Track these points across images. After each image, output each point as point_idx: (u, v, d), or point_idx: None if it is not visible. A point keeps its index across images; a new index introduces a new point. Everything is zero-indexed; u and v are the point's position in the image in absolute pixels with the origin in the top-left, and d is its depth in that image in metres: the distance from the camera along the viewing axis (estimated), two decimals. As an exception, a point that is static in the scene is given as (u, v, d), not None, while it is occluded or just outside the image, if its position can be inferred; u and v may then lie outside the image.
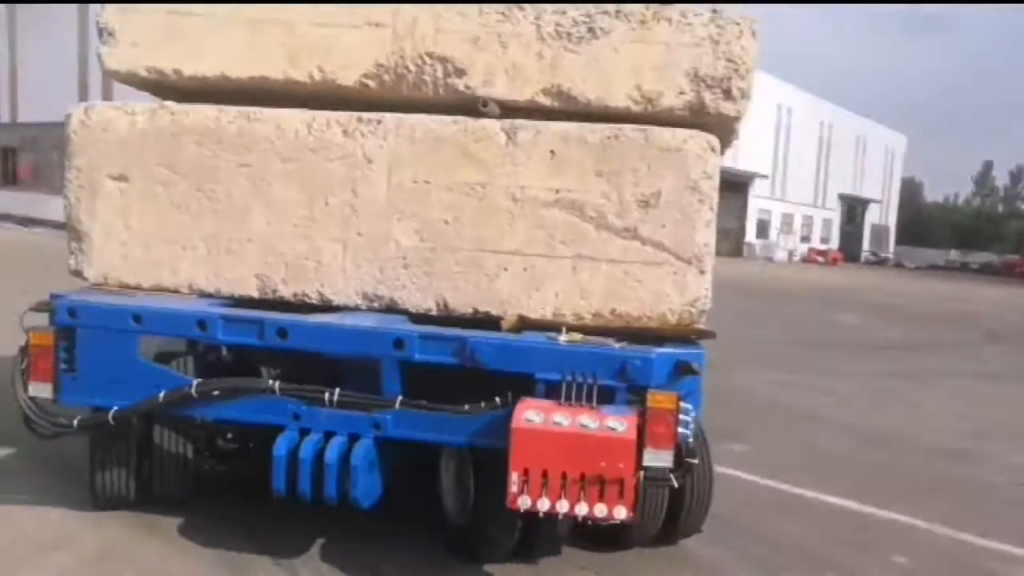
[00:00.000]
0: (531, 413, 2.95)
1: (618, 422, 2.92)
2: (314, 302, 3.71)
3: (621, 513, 2.85)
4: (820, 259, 50.84)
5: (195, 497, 3.83)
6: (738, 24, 3.63)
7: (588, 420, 2.92)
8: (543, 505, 2.86)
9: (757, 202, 51.31)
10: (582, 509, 2.85)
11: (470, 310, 3.61)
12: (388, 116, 3.67)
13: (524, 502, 2.87)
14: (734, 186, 45.66)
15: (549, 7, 3.69)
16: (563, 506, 2.86)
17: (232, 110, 3.76)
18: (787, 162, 55.49)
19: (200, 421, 3.56)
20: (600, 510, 2.85)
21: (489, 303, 3.60)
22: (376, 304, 3.67)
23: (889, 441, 6.56)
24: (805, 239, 56.65)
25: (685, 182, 3.50)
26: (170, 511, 3.77)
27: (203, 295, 3.76)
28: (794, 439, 6.42)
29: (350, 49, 3.76)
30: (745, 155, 51.93)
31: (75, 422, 3.41)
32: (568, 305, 3.57)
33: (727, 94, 3.63)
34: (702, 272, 3.54)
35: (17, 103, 35.66)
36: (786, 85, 55.16)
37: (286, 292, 3.73)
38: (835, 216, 62.22)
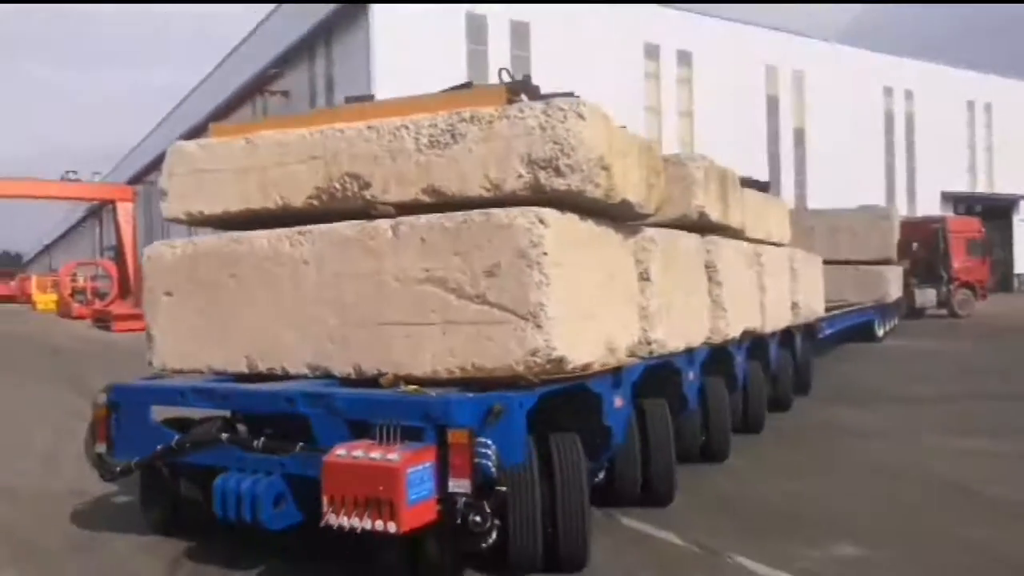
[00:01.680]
0: (340, 450, 3.76)
1: (396, 454, 3.62)
2: (279, 373, 4.84)
3: (392, 528, 3.52)
4: None
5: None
6: (563, 110, 4.22)
7: (376, 453, 3.65)
8: (345, 522, 3.63)
9: None
10: (367, 524, 3.57)
11: (375, 371, 4.49)
12: (315, 227, 4.76)
13: (332, 519, 3.66)
14: (993, 212, 40.08)
15: (425, 121, 4.57)
16: (356, 522, 3.60)
17: (226, 235, 5.12)
18: None
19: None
20: (379, 525, 3.55)
21: (387, 365, 4.45)
22: (317, 372, 4.70)
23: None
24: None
25: (517, 252, 4.11)
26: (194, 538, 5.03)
27: (215, 373, 5.08)
28: (950, 538, 4.96)
29: (298, 179, 4.94)
30: (1003, 177, 45.30)
31: (118, 469, 4.83)
32: (441, 363, 4.30)
33: (557, 171, 4.20)
34: (539, 326, 4.09)
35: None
36: None
37: (263, 367, 4.91)
38: None
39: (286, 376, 4.80)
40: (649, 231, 5.47)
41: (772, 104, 36.71)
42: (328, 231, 4.69)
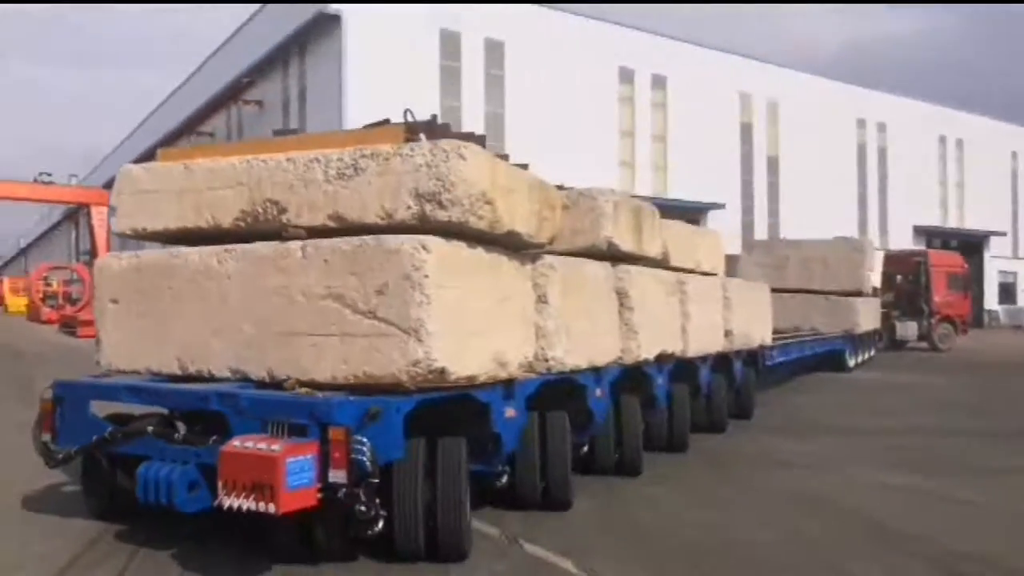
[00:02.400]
0: (236, 441, 4.33)
1: (279, 446, 4.18)
2: (206, 376, 5.41)
3: (272, 509, 4.08)
4: None
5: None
6: (446, 151, 4.81)
7: (263, 444, 4.22)
8: (235, 503, 4.19)
9: (996, 263, 45.20)
10: (252, 506, 4.13)
11: (285, 376, 5.06)
12: (238, 246, 5.35)
13: (225, 501, 4.21)
14: (964, 248, 40.42)
15: (334, 155, 5.17)
16: (244, 503, 4.15)
17: (165, 250, 5.72)
18: None
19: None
20: (262, 507, 4.11)
21: (295, 371, 5.01)
22: (237, 375, 5.27)
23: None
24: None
25: (402, 274, 4.68)
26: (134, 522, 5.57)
27: (152, 373, 5.65)
28: (835, 572, 5.03)
29: (227, 202, 5.53)
30: (974, 213, 45.85)
31: (60, 457, 5.40)
32: (338, 369, 4.87)
33: (440, 204, 4.79)
34: (420, 340, 4.65)
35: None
36: (1020, 129, 49.05)
37: (193, 369, 5.48)
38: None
39: (212, 378, 5.36)
40: (549, 259, 6.05)
41: (746, 131, 37.12)
42: (249, 250, 5.29)
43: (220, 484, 4.26)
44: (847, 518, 6.22)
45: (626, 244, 7.10)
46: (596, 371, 6.74)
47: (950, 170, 45.44)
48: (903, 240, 38.43)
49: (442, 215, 4.80)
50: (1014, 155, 48.59)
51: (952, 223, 45.19)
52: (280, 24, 30.10)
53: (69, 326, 27.25)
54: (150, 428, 5.06)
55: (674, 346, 8.10)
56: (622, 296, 7.13)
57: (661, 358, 7.90)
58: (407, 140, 5.19)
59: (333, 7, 27.01)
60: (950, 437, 10.13)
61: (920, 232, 42.20)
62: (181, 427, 5.23)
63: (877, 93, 41.85)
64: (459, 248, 4.98)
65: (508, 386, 5.51)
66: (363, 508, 4.44)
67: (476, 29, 29.08)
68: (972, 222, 45.37)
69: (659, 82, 34.07)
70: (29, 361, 18.02)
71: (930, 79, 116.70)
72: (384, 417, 4.47)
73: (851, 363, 19.46)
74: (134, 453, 5.16)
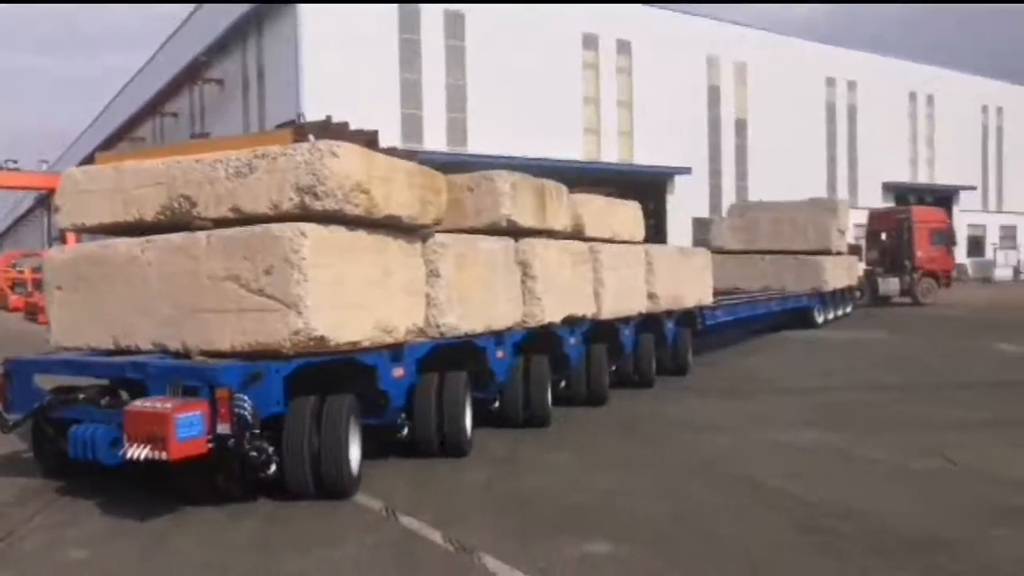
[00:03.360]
0: (138, 401, 5.18)
1: (170, 404, 5.03)
2: (134, 350, 6.27)
3: (164, 456, 4.93)
4: None
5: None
6: (320, 150, 5.58)
7: (158, 403, 5.07)
8: (137, 452, 5.04)
9: (966, 217, 45.09)
10: (150, 454, 4.98)
11: (196, 348, 5.89)
12: (157, 237, 6.17)
13: (129, 451, 5.06)
14: (934, 203, 40.22)
15: (234, 156, 5.96)
16: (143, 452, 5.01)
17: (98, 242, 6.55)
18: (1002, 168, 48.27)
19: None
20: (156, 455, 4.96)
21: (203, 342, 5.85)
22: (159, 348, 6.12)
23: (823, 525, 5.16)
24: (1043, 252, 48.40)
25: (283, 257, 5.48)
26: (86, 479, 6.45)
27: (91, 349, 6.52)
28: (702, 535, 5.06)
29: (149, 199, 6.34)
30: (944, 168, 45.65)
31: (11, 423, 6.30)
32: (237, 340, 5.69)
33: (315, 196, 5.58)
34: (299, 313, 5.46)
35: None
36: (990, 82, 48.30)
37: (124, 345, 6.33)
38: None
39: (139, 351, 6.22)
40: (440, 237, 6.83)
41: (713, 94, 36.62)
42: (165, 240, 6.10)
43: (125, 438, 5.12)
44: (738, 481, 6.21)
45: (527, 220, 7.85)
46: (497, 334, 7.54)
47: (920, 126, 45.05)
48: (873, 197, 38.34)
49: (318, 205, 5.59)
50: (984, 109, 48.18)
51: (923, 179, 44.96)
52: (237, 2, 29.31)
53: (32, 312, 26.82)
54: (81, 395, 5.93)
55: (585, 309, 8.87)
56: (525, 267, 7.90)
57: (571, 321, 8.68)
58: (296, 141, 5.96)
59: (288, -17, 26.32)
60: (884, 392, 10.36)
61: (889, 189, 42.00)
62: (124, 395, 6.10)
63: (846, 51, 41.38)
64: (337, 232, 5.77)
65: (396, 350, 6.32)
66: (255, 454, 5.31)
67: (435, 1, 28.67)
68: (942, 177, 45.09)
69: (624, 47, 33.59)
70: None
71: (903, 34, 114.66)
72: (265, 379, 5.31)
73: (819, 319, 20.08)
74: (71, 418, 6.03)
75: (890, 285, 26.93)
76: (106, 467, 5.60)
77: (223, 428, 5.13)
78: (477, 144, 28.57)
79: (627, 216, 10.36)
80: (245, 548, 4.96)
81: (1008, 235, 49.20)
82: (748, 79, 37.13)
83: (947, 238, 28.23)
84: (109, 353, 6.39)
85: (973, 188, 46.03)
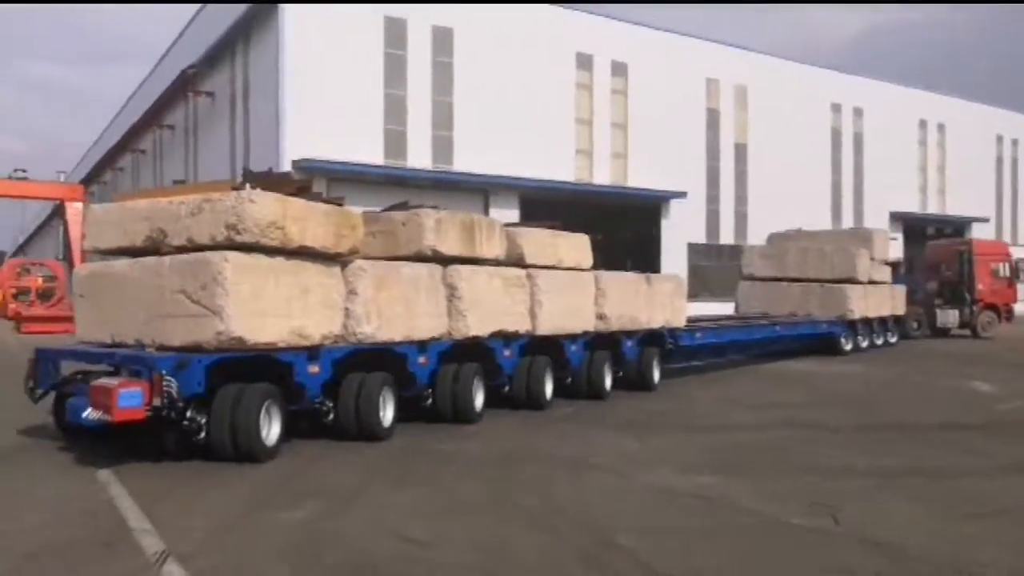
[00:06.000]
0: (103, 379, 7.16)
1: (116, 381, 6.97)
2: (123, 344, 8.31)
3: (109, 418, 6.86)
4: None
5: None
6: (242, 198, 7.46)
7: (111, 381, 7.02)
8: (94, 416, 6.99)
9: None
10: (101, 417, 6.92)
11: (155, 343, 7.85)
12: (141, 259, 8.19)
13: (91, 415, 7.02)
14: (941, 235, 38.15)
15: (192, 200, 7.91)
16: (97, 416, 6.96)
17: (104, 263, 8.67)
18: (1017, 200, 45.80)
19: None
20: (104, 418, 6.90)
21: (164, 340, 7.80)
22: (137, 343, 8.11)
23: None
24: (1053, 288, 44.91)
25: (212, 276, 7.37)
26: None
27: (98, 343, 8.61)
28: None
29: (139, 229, 8.38)
30: (956, 199, 42.94)
31: (39, 395, 8.46)
32: (184, 338, 7.59)
33: (237, 231, 7.44)
34: (222, 319, 7.32)
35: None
36: (1007, 113, 45.75)
37: (117, 340, 8.39)
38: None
39: (125, 345, 8.26)
40: (359, 262, 8.59)
41: (712, 118, 34.99)
42: (144, 262, 8.12)
43: (89, 406, 7.10)
44: (582, 534, 5.63)
45: (452, 249, 9.50)
46: (420, 344, 9.20)
47: (931, 155, 42.81)
48: (879, 226, 35.59)
49: (240, 238, 7.46)
50: (999, 139, 45.67)
51: (933, 209, 42.86)
52: (226, 15, 28.67)
53: (18, 322, 26.83)
54: (79, 376, 8.00)
55: (518, 326, 10.40)
56: (452, 288, 9.54)
57: (504, 335, 10.23)
58: (234, 189, 7.87)
59: (271, -4, 25.60)
60: (812, 432, 9.80)
61: (897, 218, 39.89)
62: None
63: (853, 77, 39.66)
64: (257, 258, 7.61)
65: (314, 351, 8.10)
66: (186, 422, 7.20)
67: (423, 16, 27.30)
68: (954, 208, 42.89)
69: (619, 69, 32.14)
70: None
71: (914, 65, 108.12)
72: (190, 367, 7.19)
73: (847, 347, 20.54)
74: (73, 392, 8.13)
75: (949, 317, 26.73)
76: (87, 427, 7.63)
77: (156, 402, 7.03)
78: (463, 163, 27.56)
79: (573, 246, 11.79)
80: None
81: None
82: (749, 103, 35.66)
83: (1009, 271, 27.73)
84: (109, 346, 8.47)
85: (986, 220, 43.72)
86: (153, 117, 37.01)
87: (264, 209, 7.54)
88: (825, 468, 7.81)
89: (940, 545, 5.49)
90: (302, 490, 6.78)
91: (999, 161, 46.55)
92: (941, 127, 43.22)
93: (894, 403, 12.89)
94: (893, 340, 23.28)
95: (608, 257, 25.20)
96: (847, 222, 37.64)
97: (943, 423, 10.72)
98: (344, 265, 8.52)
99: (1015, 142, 46.97)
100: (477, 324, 9.77)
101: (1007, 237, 43.78)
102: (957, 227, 42.86)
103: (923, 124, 42.63)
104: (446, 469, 7.65)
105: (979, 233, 41.26)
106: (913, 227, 39.28)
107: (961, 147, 43.49)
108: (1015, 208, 47.03)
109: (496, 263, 10.27)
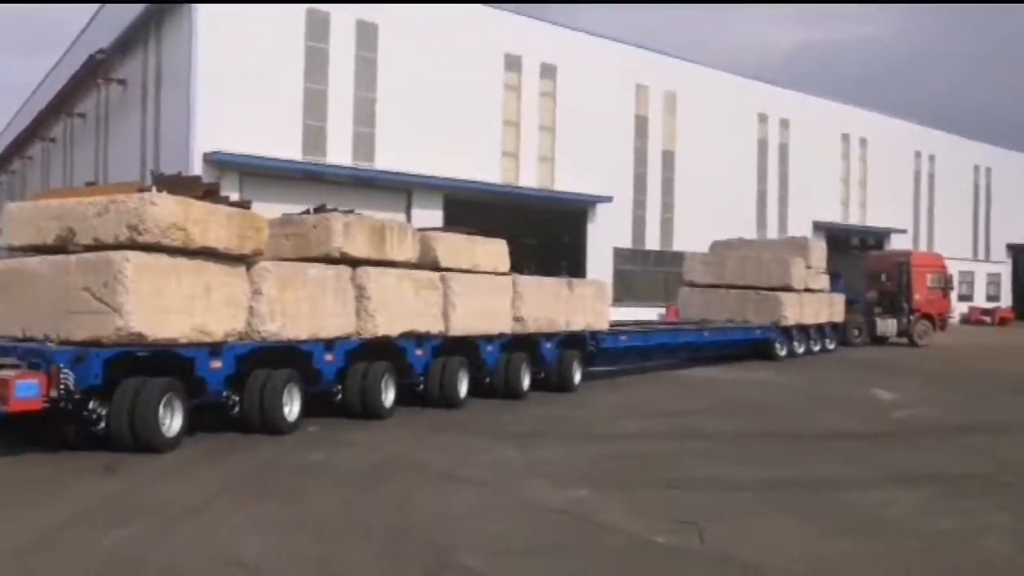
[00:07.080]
0: (1, 372, 7.47)
1: (13, 373, 7.28)
2: (32, 338, 8.60)
3: (4, 409, 7.17)
4: (986, 319, 44.11)
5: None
6: (144, 199, 7.81)
7: (8, 373, 7.34)
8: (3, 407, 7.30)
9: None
10: (1, 408, 7.23)
11: (59, 337, 8.16)
12: (50, 256, 8.49)
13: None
14: (865, 245, 39.81)
15: (98, 201, 8.23)
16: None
17: (18, 260, 8.96)
18: (933, 213, 47.75)
19: None
20: (3, 408, 7.21)
21: (69, 335, 8.11)
22: (45, 337, 8.41)
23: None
24: (966, 297, 46.88)
25: (113, 275, 7.70)
26: None
27: (11, 337, 8.89)
28: None
29: (50, 228, 8.69)
30: (876, 211, 44.36)
31: None
32: (88, 333, 7.90)
33: (139, 232, 7.79)
34: (121, 315, 7.66)
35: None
36: (926, 130, 47.55)
37: (28, 334, 8.68)
38: (1005, 270, 52.50)
39: (35, 339, 8.55)
40: (264, 263, 8.95)
41: (641, 124, 34.56)
42: (53, 259, 8.43)
43: (-8, 397, 7.40)
44: (423, 557, 5.35)
45: (360, 252, 9.89)
46: (327, 342, 9.57)
47: (853, 167, 43.85)
48: (803, 235, 34.38)
49: (141, 239, 7.81)
50: (917, 154, 47.32)
51: (854, 220, 43.85)
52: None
53: None
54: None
55: (430, 327, 10.81)
56: (361, 289, 9.93)
57: (415, 335, 10.63)
58: (139, 191, 8.21)
59: (181, -19, 24.05)
60: (697, 442, 9.72)
61: (820, 228, 40.30)
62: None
63: (781, 89, 40.21)
64: (158, 258, 7.96)
65: (216, 347, 8.45)
66: (86, 413, 7.53)
67: (347, 10, 26.10)
68: (874, 219, 43.96)
69: (548, 71, 31.39)
70: None
71: (845, 83, 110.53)
72: (88, 360, 7.52)
73: (782, 353, 21.16)
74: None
75: (887, 326, 27.50)
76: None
77: (53, 393, 7.35)
78: (386, 161, 26.52)
79: (490, 251, 12.21)
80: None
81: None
82: (678, 110, 35.41)
83: (944, 282, 28.60)
84: (20, 340, 8.75)
85: (904, 231, 45.09)
86: (63, 104, 34.70)
87: (165, 211, 7.89)
88: (706, 480, 7.69)
89: (802, 562, 5.41)
90: (141, 503, 6.39)
91: (917, 175, 48.01)
92: (863, 141, 44.17)
93: (793, 411, 12.81)
94: (831, 347, 23.94)
95: (543, 261, 25.82)
96: (772, 230, 38.00)
97: (835, 432, 10.85)
98: (250, 265, 8.88)
99: (932, 157, 48.44)
100: (386, 324, 10.16)
101: (923, 247, 45.17)
102: (877, 238, 43.91)
103: (846, 138, 43.48)
104: (310, 482, 7.23)
105: (898, 244, 42.38)
106: (836, 236, 39.75)
107: (882, 161, 44.58)
108: (931, 220, 48.40)
109: (409, 266, 10.67)
